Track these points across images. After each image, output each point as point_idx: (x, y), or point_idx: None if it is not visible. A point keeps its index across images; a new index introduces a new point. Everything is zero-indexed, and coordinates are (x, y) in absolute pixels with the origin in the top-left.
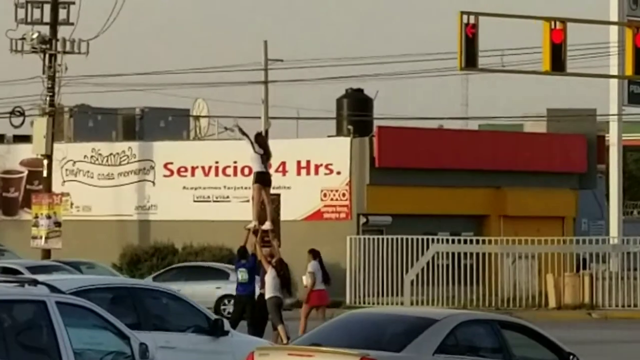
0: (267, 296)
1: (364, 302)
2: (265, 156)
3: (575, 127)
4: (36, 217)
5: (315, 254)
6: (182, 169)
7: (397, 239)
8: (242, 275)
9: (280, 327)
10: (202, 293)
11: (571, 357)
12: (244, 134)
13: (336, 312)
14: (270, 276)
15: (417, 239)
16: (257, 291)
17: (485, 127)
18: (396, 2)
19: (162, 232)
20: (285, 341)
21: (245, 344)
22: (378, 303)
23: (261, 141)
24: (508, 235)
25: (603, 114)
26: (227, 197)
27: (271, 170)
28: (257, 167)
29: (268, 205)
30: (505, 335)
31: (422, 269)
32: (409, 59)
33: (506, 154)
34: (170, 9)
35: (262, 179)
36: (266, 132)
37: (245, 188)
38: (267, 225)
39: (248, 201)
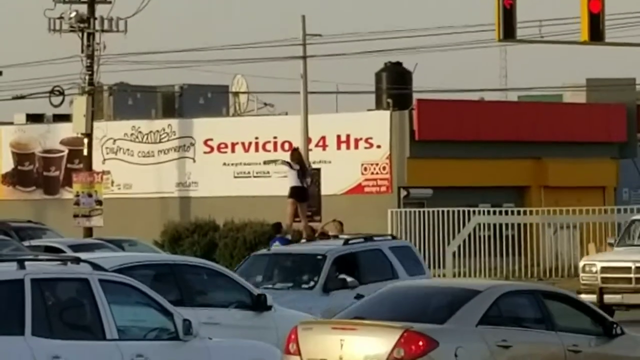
0: None
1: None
2: (302, 171)
3: (614, 97)
4: (77, 195)
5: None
6: (222, 146)
7: (438, 211)
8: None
9: None
10: None
11: (615, 326)
12: (284, 163)
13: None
14: None
15: (458, 211)
16: None
17: (525, 99)
18: None
19: (203, 208)
20: None
21: (288, 319)
22: None
23: (297, 157)
24: (549, 205)
25: None
26: (268, 172)
27: (311, 146)
28: (292, 182)
29: (303, 219)
30: (548, 306)
31: (464, 241)
32: (447, 31)
33: (546, 124)
34: None
35: (297, 194)
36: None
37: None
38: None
39: (287, 176)
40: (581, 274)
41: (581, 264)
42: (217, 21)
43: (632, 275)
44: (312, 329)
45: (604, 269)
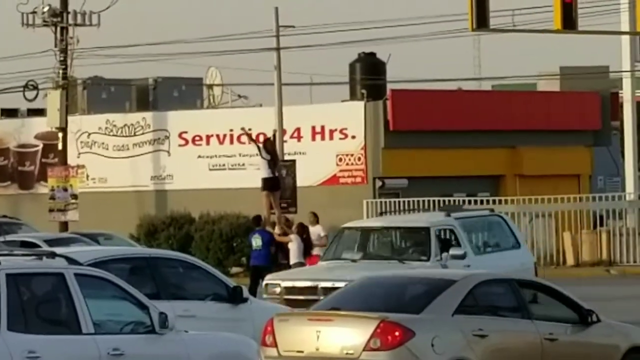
0: (292, 262)
1: None
2: (273, 162)
3: (588, 85)
4: (52, 190)
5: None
6: (197, 138)
7: (413, 201)
8: (257, 241)
9: None
10: None
11: (590, 313)
12: (251, 139)
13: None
14: (295, 244)
15: (434, 201)
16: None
17: (499, 87)
18: None
19: (178, 201)
20: None
21: (264, 311)
22: None
23: (269, 147)
24: (524, 194)
25: (616, 70)
26: (243, 164)
27: (286, 137)
28: (264, 172)
29: (277, 209)
30: (524, 294)
31: None
32: (421, 21)
33: (520, 113)
34: None
35: (270, 185)
36: (274, 136)
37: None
38: (277, 230)
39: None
40: (264, 296)
41: (263, 283)
42: (191, 14)
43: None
44: (288, 320)
45: (288, 290)
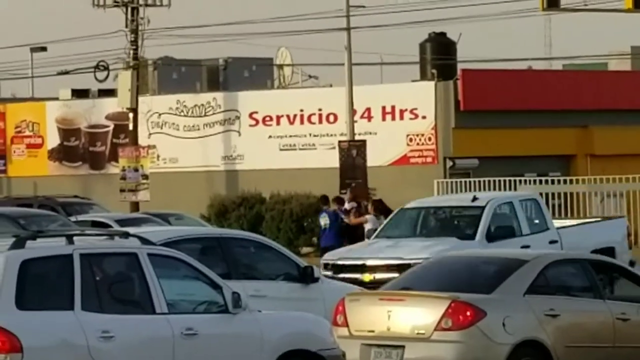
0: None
1: None
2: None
3: None
4: (123, 170)
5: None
6: (267, 118)
7: (484, 181)
8: (324, 220)
9: None
10: None
11: None
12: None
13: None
14: (370, 224)
15: (505, 181)
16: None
17: (570, 67)
18: None
19: (249, 181)
20: None
21: (336, 291)
22: None
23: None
24: (595, 174)
25: None
26: (313, 144)
27: (356, 117)
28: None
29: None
30: (596, 274)
31: None
32: (491, 1)
33: (592, 93)
34: None
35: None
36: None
37: (330, 135)
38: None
39: (334, 148)
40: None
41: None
42: None
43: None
44: (360, 300)
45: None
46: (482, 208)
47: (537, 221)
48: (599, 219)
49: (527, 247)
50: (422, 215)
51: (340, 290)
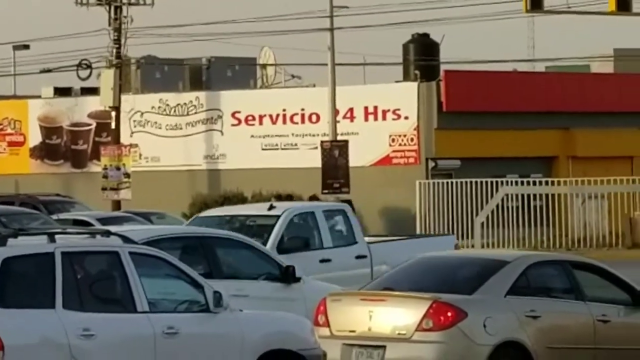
0: None
1: None
2: None
3: None
4: (105, 168)
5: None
6: (250, 118)
7: (466, 182)
8: None
9: None
10: None
11: None
12: None
13: None
14: None
15: (486, 182)
16: None
17: (552, 69)
18: None
19: (231, 181)
20: None
21: (317, 290)
22: None
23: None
24: (577, 176)
25: None
26: (296, 144)
27: (339, 118)
28: None
29: None
30: (577, 276)
31: (492, 212)
32: (475, 2)
33: (574, 95)
34: None
35: None
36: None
37: (313, 135)
38: None
39: (316, 148)
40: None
41: None
42: None
43: None
44: (341, 300)
45: None
46: (277, 217)
47: (344, 234)
48: (428, 236)
49: (328, 260)
50: (216, 224)
51: (322, 290)
